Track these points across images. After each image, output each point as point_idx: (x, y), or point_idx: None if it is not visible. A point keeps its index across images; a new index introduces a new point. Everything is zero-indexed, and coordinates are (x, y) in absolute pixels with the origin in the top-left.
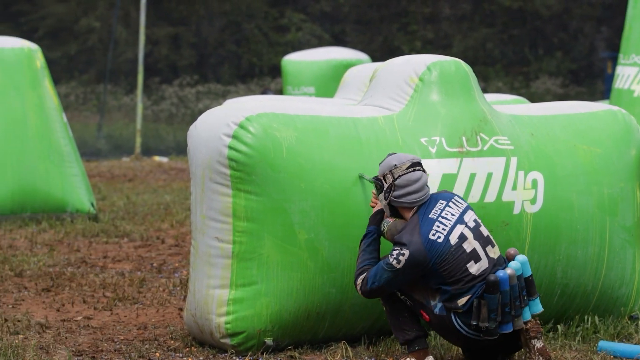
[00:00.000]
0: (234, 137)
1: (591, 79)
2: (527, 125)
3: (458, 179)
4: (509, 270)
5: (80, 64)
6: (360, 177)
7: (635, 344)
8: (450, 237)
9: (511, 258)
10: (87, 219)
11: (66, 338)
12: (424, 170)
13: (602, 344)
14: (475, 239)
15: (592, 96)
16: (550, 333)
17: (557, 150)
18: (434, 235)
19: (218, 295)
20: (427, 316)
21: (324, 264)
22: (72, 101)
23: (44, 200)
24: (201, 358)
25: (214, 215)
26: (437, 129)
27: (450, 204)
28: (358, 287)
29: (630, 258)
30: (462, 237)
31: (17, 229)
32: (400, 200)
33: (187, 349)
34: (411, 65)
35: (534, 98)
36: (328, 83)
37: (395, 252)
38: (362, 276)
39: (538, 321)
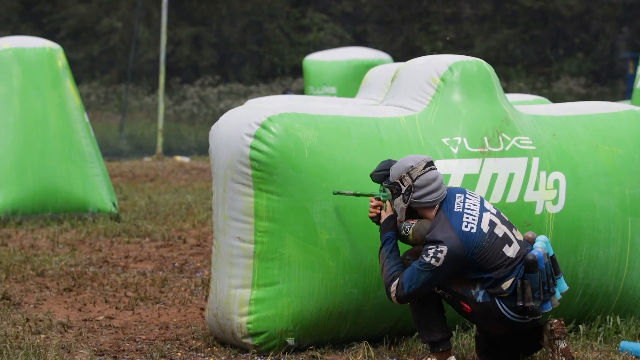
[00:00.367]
0: (256, 137)
1: (613, 79)
2: (549, 126)
3: (480, 179)
4: (539, 249)
5: (102, 64)
6: (338, 193)
7: None
8: (482, 226)
9: (531, 241)
10: (108, 218)
11: (88, 338)
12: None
13: (624, 344)
14: (502, 223)
15: (613, 96)
16: (572, 333)
17: (579, 150)
18: (466, 227)
19: (240, 295)
20: (468, 307)
21: (346, 264)
22: (93, 101)
23: (65, 200)
24: (223, 358)
25: (236, 215)
26: (459, 129)
27: (468, 195)
28: (392, 295)
29: None
30: (492, 224)
31: (38, 228)
32: (421, 200)
33: (209, 348)
34: (433, 66)
35: (555, 98)
36: (349, 83)
37: (431, 251)
38: (395, 282)
39: (562, 322)
